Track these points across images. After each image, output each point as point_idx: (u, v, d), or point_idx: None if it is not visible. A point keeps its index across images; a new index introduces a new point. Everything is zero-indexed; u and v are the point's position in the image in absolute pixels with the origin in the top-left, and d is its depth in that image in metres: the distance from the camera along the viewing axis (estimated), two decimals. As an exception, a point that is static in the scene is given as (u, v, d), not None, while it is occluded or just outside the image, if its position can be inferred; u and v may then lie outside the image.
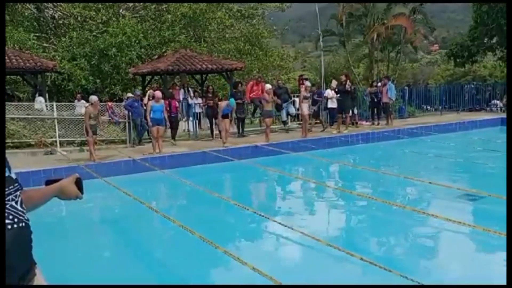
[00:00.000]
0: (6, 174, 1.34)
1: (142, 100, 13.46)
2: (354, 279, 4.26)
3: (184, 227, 5.02)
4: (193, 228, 4.91)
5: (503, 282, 2.51)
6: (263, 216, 6.11)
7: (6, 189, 1.31)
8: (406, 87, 19.88)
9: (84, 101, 15.38)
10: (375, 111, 15.92)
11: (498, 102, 19.28)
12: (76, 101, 15.07)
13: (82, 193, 1.90)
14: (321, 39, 20.50)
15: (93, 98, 10.68)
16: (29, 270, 1.40)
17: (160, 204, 8.36)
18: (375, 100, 15.74)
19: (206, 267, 4.92)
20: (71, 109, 13.99)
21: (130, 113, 13.00)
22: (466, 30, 24.49)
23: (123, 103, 13.97)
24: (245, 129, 14.44)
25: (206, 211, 7.21)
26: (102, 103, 14.81)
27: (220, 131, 12.37)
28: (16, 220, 1.31)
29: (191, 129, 14.41)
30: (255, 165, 9.82)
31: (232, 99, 12.22)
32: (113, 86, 18.17)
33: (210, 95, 13.86)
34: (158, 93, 11.63)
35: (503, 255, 4.39)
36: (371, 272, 4.10)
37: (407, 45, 21.83)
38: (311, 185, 8.83)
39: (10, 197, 1.32)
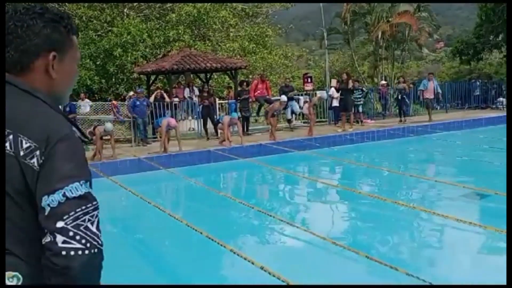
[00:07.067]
0: (87, 190, 1.14)
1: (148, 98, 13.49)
2: (360, 277, 4.26)
3: (190, 226, 5.03)
4: (200, 227, 4.91)
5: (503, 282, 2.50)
6: (269, 215, 6.11)
7: (84, 207, 1.11)
8: (411, 85, 19.78)
9: (88, 100, 15.45)
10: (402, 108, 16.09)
11: (503, 100, 19.14)
12: (80, 100, 15.10)
13: None
14: (325, 37, 20.45)
15: (109, 127, 10.29)
16: None
17: (166, 202, 8.37)
18: (400, 97, 15.96)
19: (213, 266, 4.93)
20: (76, 108, 14.02)
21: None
22: (472, 27, 24.34)
23: (126, 102, 13.98)
24: (250, 128, 14.44)
25: (212, 210, 7.22)
26: (107, 102, 14.86)
27: (219, 132, 12.47)
28: (88, 245, 1.10)
29: (195, 127, 14.44)
30: (261, 164, 9.83)
31: (234, 113, 12.31)
32: (117, 86, 18.20)
33: (205, 95, 13.82)
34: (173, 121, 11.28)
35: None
36: (377, 270, 4.09)
37: (412, 43, 21.74)
38: (316, 184, 8.81)
39: (87, 217, 1.11)
